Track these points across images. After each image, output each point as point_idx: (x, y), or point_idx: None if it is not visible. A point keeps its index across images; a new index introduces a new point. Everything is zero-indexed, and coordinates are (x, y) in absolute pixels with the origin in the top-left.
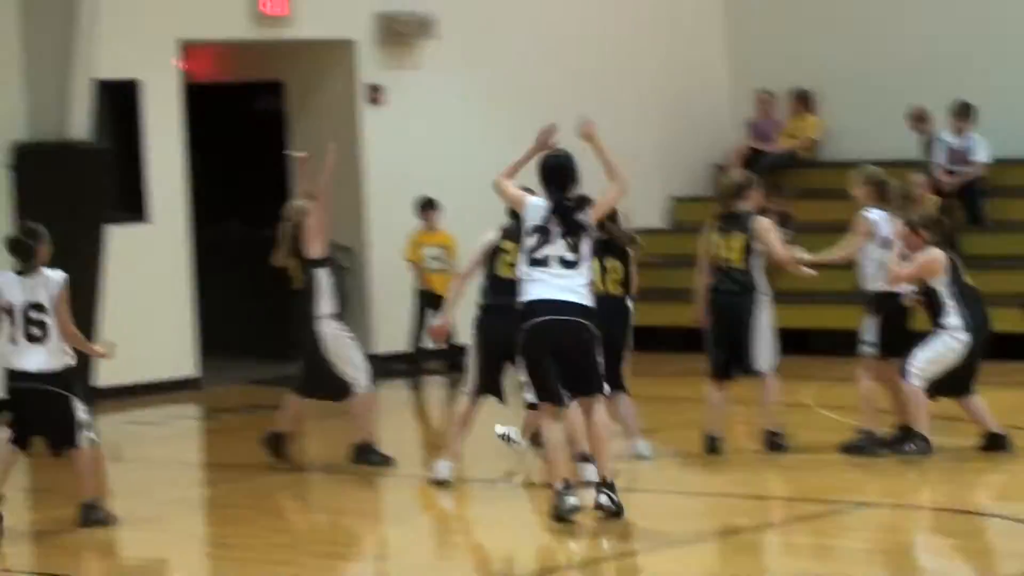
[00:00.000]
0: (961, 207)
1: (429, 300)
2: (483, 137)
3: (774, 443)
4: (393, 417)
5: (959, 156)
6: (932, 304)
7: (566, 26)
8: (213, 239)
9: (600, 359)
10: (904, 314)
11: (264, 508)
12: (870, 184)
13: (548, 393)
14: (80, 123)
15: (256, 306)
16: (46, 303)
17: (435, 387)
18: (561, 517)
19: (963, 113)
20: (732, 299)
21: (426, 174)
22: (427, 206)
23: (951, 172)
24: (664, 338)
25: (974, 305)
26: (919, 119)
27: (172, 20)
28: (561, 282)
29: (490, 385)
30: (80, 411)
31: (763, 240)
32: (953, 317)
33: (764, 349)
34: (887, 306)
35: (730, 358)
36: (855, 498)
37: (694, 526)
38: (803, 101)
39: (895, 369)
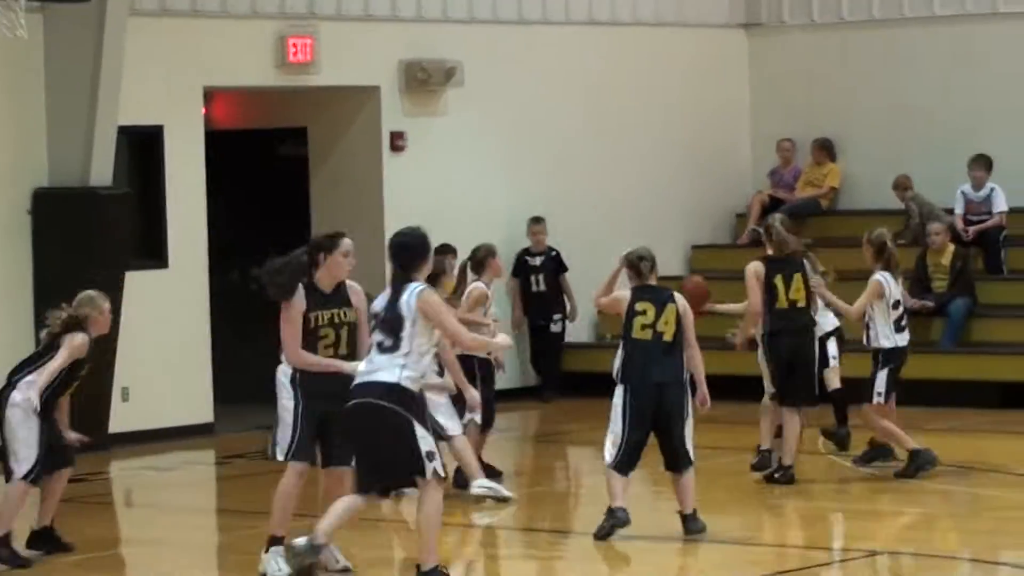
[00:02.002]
0: (980, 256)
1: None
2: (505, 183)
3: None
4: None
5: (978, 207)
6: None
7: (589, 74)
8: (233, 284)
9: None
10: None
11: None
12: (872, 246)
13: None
14: (103, 169)
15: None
16: None
17: None
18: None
19: (981, 164)
20: None
21: (447, 220)
22: (445, 252)
23: (971, 222)
24: None
25: None
26: (902, 187)
27: (198, 68)
28: None
29: None
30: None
31: None
32: None
33: None
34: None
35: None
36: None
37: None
38: (824, 150)
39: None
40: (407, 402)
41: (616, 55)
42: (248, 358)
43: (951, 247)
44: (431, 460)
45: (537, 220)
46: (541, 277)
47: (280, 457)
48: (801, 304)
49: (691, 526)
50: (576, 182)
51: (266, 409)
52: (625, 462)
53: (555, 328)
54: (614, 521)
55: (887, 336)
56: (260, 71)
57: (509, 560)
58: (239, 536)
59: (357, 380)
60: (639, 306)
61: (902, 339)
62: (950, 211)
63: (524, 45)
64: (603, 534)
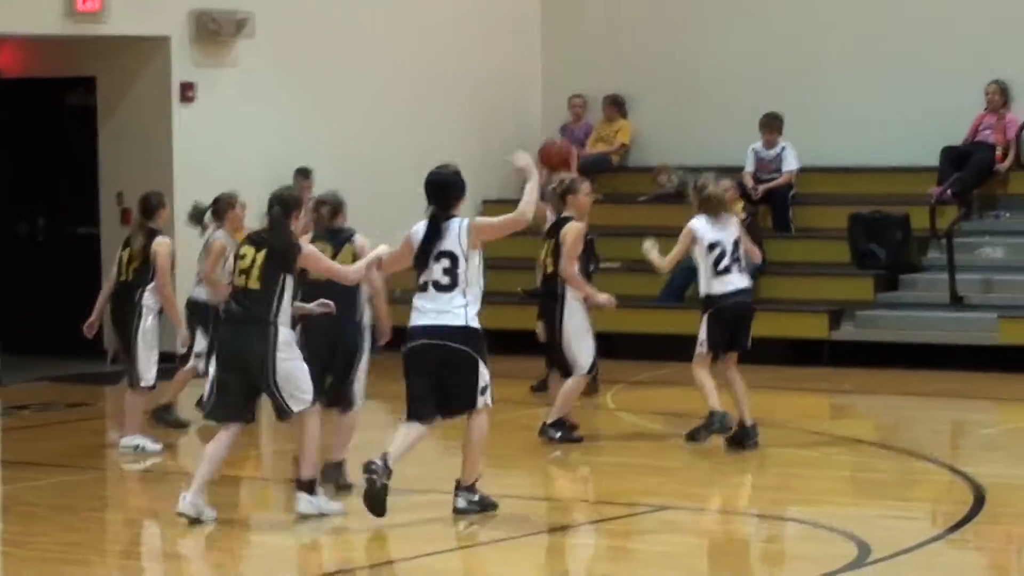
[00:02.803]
0: (769, 214)
1: None
2: (295, 136)
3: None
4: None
5: (768, 165)
6: None
7: (381, 26)
8: (19, 235)
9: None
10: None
11: (60, 507)
12: (696, 193)
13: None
14: None
15: (62, 304)
16: None
17: None
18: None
19: (772, 122)
20: None
21: (237, 173)
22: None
23: (761, 180)
24: None
25: None
26: (663, 172)
27: None
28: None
29: None
30: None
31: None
32: None
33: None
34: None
35: None
36: (655, 501)
37: (492, 529)
38: (615, 106)
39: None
40: (475, 342)
41: (407, 9)
42: (33, 310)
43: (739, 204)
44: (483, 393)
45: (304, 173)
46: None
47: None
48: None
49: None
50: (366, 135)
51: (52, 361)
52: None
53: None
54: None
55: (706, 282)
56: (48, 19)
57: None
58: (22, 488)
59: (422, 320)
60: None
61: (720, 285)
62: (740, 169)
63: None
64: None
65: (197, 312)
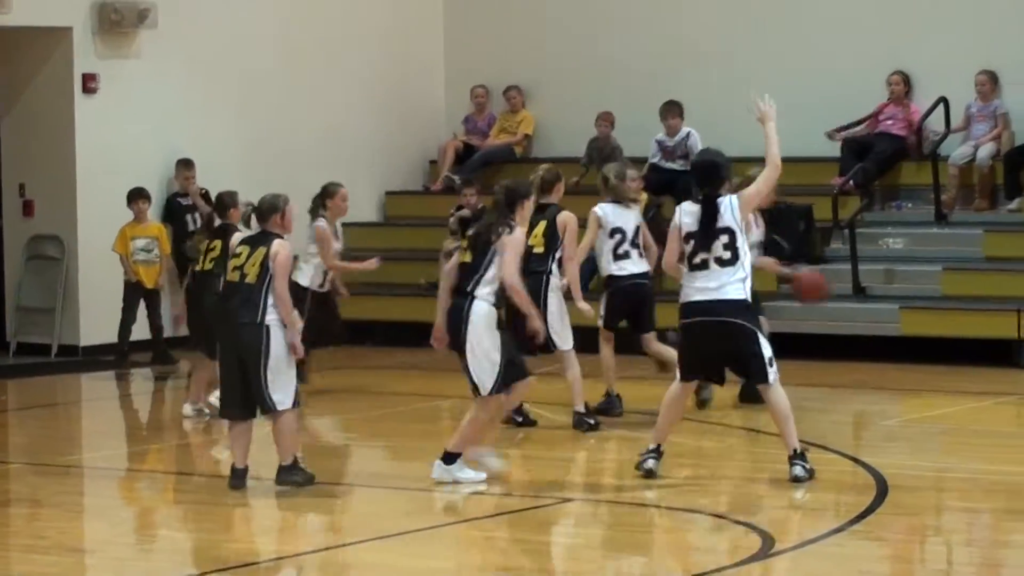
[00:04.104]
0: (676, 202)
1: (137, 292)
2: (198, 127)
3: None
4: (97, 407)
5: (673, 152)
6: None
7: (283, 20)
8: None
9: None
10: None
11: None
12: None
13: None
14: None
15: None
16: None
17: (141, 379)
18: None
19: (673, 110)
20: None
21: (139, 164)
22: (138, 197)
23: (665, 169)
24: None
25: None
26: (605, 122)
27: None
28: None
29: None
30: None
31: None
32: None
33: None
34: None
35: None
36: (561, 494)
37: (393, 520)
38: (516, 97)
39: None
40: (752, 315)
41: (311, 1)
42: None
43: (645, 196)
44: (771, 365)
45: (187, 164)
46: (196, 216)
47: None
48: None
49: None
50: (269, 127)
51: None
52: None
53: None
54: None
55: (606, 264)
56: None
57: None
58: None
59: (702, 296)
60: (238, 249)
61: (617, 268)
62: (644, 160)
63: None
64: None
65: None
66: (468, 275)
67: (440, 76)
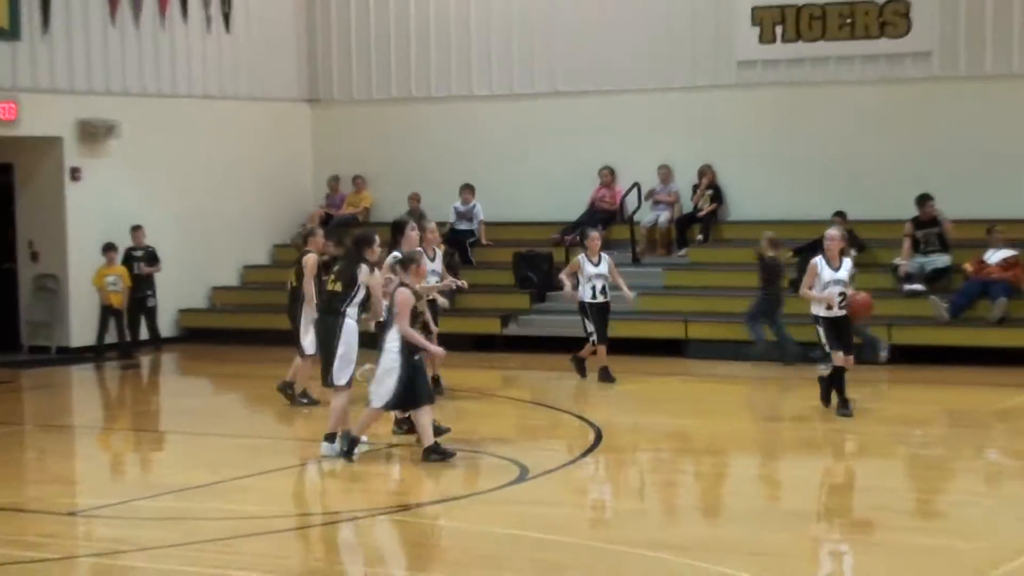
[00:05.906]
0: (457, 253)
1: (108, 312)
2: (149, 204)
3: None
4: (82, 388)
5: (464, 215)
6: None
7: (199, 131)
8: None
9: None
10: None
11: None
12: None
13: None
14: None
15: None
16: None
17: (111, 370)
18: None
19: (467, 188)
20: None
21: (109, 228)
22: (109, 249)
23: (458, 229)
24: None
25: None
26: (415, 201)
27: None
28: None
29: None
30: None
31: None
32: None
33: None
34: None
35: None
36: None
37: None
38: (360, 182)
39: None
40: None
41: (215, 119)
42: None
43: (443, 246)
44: None
45: (137, 228)
46: (142, 264)
47: None
48: None
49: None
50: (196, 204)
51: None
52: None
53: (150, 303)
54: None
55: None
56: None
57: None
58: None
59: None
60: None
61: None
62: (450, 223)
63: (162, 111)
64: None
65: None
66: (340, 300)
67: (309, 170)
